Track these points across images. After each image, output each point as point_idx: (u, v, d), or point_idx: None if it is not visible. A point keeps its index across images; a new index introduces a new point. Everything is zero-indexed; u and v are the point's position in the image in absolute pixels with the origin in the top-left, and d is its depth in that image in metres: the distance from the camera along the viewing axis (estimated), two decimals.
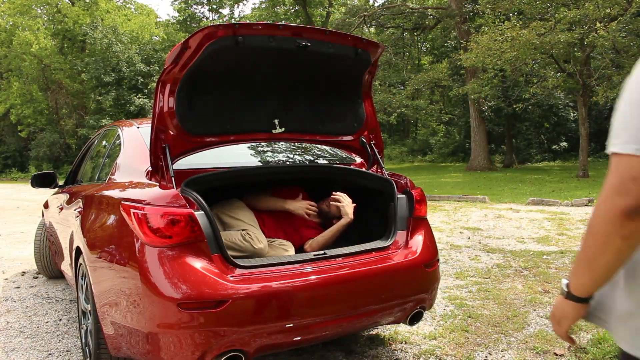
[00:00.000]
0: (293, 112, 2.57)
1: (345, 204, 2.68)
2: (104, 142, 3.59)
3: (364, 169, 2.87)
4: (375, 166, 2.83)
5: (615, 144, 0.93)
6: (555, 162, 23.95)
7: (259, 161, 3.05)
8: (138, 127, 2.95)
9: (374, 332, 3.11)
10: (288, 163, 3.09)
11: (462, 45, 17.05)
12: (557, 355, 2.66)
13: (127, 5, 37.40)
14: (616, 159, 0.92)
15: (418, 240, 2.51)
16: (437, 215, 8.06)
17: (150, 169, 2.36)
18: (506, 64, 15.05)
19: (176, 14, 35.55)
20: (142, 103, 29.01)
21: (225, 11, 36.70)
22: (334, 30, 2.38)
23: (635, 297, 1.00)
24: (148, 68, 30.16)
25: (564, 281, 1.11)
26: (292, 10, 32.34)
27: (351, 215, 2.67)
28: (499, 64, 15.31)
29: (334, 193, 2.73)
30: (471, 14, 21.15)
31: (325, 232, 2.67)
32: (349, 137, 2.78)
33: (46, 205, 4.67)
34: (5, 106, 32.69)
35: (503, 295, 3.72)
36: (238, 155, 2.84)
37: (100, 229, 2.48)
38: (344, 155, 3.15)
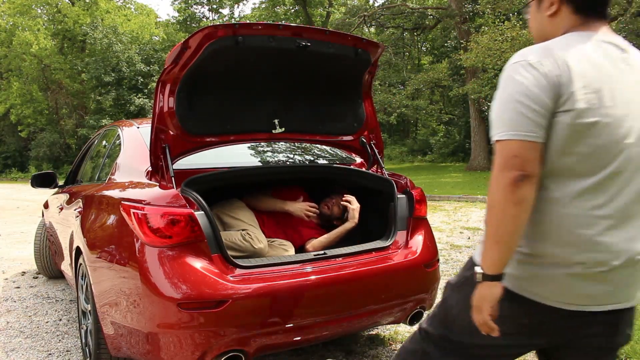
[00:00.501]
0: (293, 112, 2.57)
1: (355, 207, 2.68)
2: (104, 142, 3.59)
3: (364, 169, 2.87)
4: (375, 166, 2.83)
5: (496, 134, 1.18)
6: None
7: (259, 161, 3.05)
8: (138, 127, 2.95)
9: (374, 332, 3.11)
10: (288, 163, 3.09)
11: (462, 45, 17.06)
12: None
13: (127, 5, 37.40)
14: (499, 144, 1.17)
15: (418, 240, 2.51)
16: (437, 215, 8.06)
17: (150, 169, 2.36)
18: (506, 64, 15.05)
19: (176, 14, 35.56)
20: (142, 103, 29.00)
21: (225, 11, 36.70)
22: (334, 30, 2.37)
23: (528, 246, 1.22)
24: (148, 68, 30.15)
25: (477, 269, 1.23)
26: (292, 10, 32.34)
27: (357, 220, 2.67)
28: (499, 64, 15.30)
29: (345, 195, 2.73)
30: (471, 14, 21.14)
31: (329, 234, 2.67)
32: (349, 137, 2.78)
33: (46, 205, 4.67)
34: (5, 106, 32.68)
35: None
36: (238, 155, 2.84)
37: (100, 229, 2.48)
38: (344, 155, 3.15)
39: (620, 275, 1.22)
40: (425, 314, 2.46)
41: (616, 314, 1.28)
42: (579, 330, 1.29)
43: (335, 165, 2.99)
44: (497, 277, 1.20)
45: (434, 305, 2.09)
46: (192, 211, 2.03)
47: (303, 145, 3.26)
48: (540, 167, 1.17)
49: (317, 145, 3.23)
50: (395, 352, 2.78)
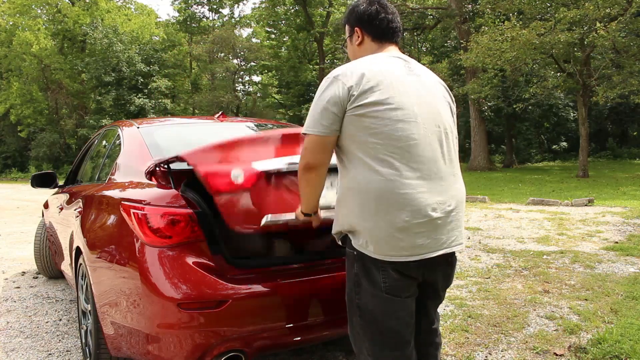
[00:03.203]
0: None
1: None
2: (104, 142, 3.59)
3: None
4: None
5: (304, 126, 1.64)
6: (555, 162, 23.98)
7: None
8: (138, 127, 2.94)
9: None
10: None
11: (462, 45, 17.06)
12: (557, 355, 2.66)
13: (127, 5, 37.43)
14: (305, 137, 1.63)
15: None
16: None
17: (150, 169, 2.35)
18: (506, 64, 15.06)
19: (176, 14, 35.54)
20: (142, 103, 29.02)
21: (225, 11, 36.75)
22: None
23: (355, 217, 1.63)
24: (148, 68, 30.16)
25: (299, 208, 1.84)
26: (292, 10, 32.31)
27: None
28: (499, 64, 15.32)
29: None
30: (471, 14, 21.15)
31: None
32: None
33: (46, 206, 4.66)
34: (5, 106, 32.70)
35: (503, 295, 3.72)
36: None
37: (100, 229, 2.48)
38: None
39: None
40: None
41: None
42: None
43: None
44: (309, 215, 1.82)
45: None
46: (192, 211, 2.03)
47: None
48: None
49: None
50: None
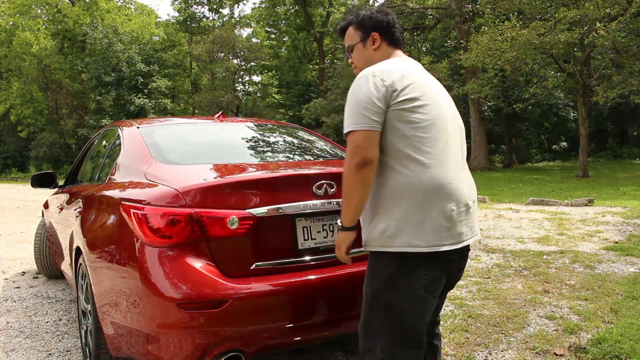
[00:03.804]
0: None
1: None
2: (104, 142, 3.59)
3: None
4: None
5: (347, 125, 1.65)
6: (555, 162, 23.98)
7: (259, 160, 3.03)
8: (138, 127, 2.94)
9: None
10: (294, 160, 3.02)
11: (462, 45, 17.06)
12: (557, 355, 2.66)
13: (127, 5, 37.42)
14: (350, 135, 1.63)
15: None
16: None
17: (150, 169, 2.35)
18: (506, 64, 15.05)
19: (176, 14, 35.54)
20: (142, 103, 29.02)
21: (225, 11, 36.74)
22: None
23: (380, 213, 1.67)
24: (148, 68, 30.16)
25: (338, 221, 1.76)
26: (292, 10, 32.31)
27: None
28: (499, 64, 15.31)
29: None
30: (471, 14, 21.15)
31: None
32: None
33: (46, 205, 4.66)
34: (5, 106, 32.70)
35: (503, 295, 3.72)
36: (238, 155, 2.83)
37: (100, 229, 2.48)
38: (344, 155, 3.14)
39: None
40: None
41: None
42: None
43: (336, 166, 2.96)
44: (350, 229, 1.73)
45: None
46: (192, 211, 2.02)
47: (301, 145, 3.25)
48: None
49: (315, 143, 3.23)
50: None
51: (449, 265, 1.74)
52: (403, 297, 1.67)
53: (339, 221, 1.74)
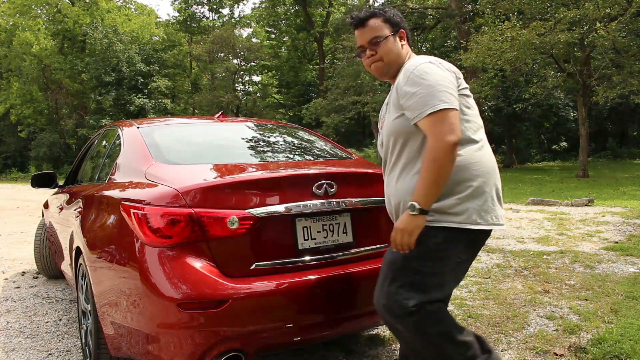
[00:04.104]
0: None
1: None
2: (104, 142, 3.59)
3: (370, 170, 2.85)
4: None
5: (434, 104, 1.65)
6: (555, 162, 23.97)
7: (259, 160, 3.03)
8: (138, 127, 2.94)
9: (374, 332, 3.11)
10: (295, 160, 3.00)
11: (462, 45, 17.05)
12: (557, 355, 2.66)
13: (127, 5, 37.41)
14: (440, 114, 1.64)
15: None
16: None
17: (150, 169, 2.35)
18: (506, 64, 15.04)
19: (176, 14, 35.53)
20: (142, 103, 29.00)
21: (225, 11, 36.72)
22: None
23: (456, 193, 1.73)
24: (148, 68, 30.15)
25: (409, 203, 1.69)
26: (292, 10, 32.31)
27: None
28: (499, 64, 15.30)
29: None
30: (471, 14, 21.14)
31: None
32: None
33: (46, 205, 4.66)
34: (5, 106, 32.70)
35: (503, 295, 3.72)
36: (238, 155, 2.83)
37: (100, 229, 2.48)
38: (343, 155, 3.14)
39: None
40: None
41: None
42: None
43: (336, 167, 2.94)
44: (428, 212, 1.71)
45: None
46: (192, 211, 2.02)
47: (301, 145, 3.25)
48: None
49: (315, 143, 3.23)
50: (395, 351, 2.78)
51: (481, 246, 1.87)
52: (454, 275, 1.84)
53: (415, 204, 1.68)
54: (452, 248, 1.75)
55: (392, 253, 1.83)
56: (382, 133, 2.00)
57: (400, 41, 1.91)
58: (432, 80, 1.69)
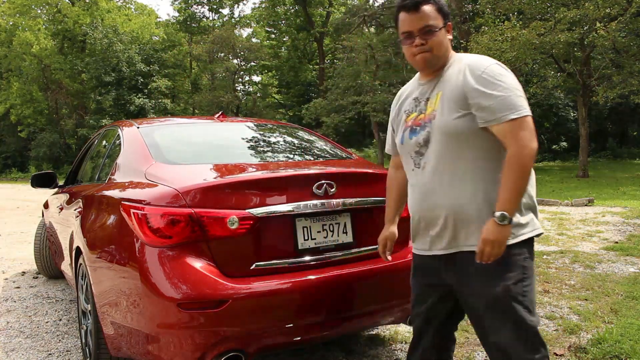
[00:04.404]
0: None
1: None
2: (104, 142, 3.59)
3: (364, 169, 2.85)
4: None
5: (519, 110, 1.59)
6: (555, 162, 23.96)
7: (259, 160, 3.03)
8: (138, 127, 2.94)
9: (374, 332, 3.11)
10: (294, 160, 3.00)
11: (462, 45, 17.04)
12: (557, 355, 2.66)
13: (127, 5, 37.40)
14: (526, 119, 1.59)
15: None
16: None
17: (150, 169, 2.35)
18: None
19: (176, 14, 35.52)
20: (142, 103, 28.99)
21: (225, 11, 36.70)
22: None
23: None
24: (148, 68, 30.13)
25: (498, 214, 1.58)
26: (292, 10, 32.30)
27: None
28: None
29: None
30: (471, 14, 21.15)
31: None
32: None
33: (46, 205, 4.66)
34: (5, 106, 32.68)
35: None
36: (238, 155, 2.83)
37: (100, 229, 2.48)
38: (343, 155, 3.14)
39: None
40: None
41: None
42: None
43: (337, 168, 2.93)
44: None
45: None
46: (192, 211, 2.02)
47: (301, 145, 3.25)
48: None
49: (315, 143, 3.23)
50: (395, 352, 2.78)
51: None
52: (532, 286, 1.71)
53: (505, 214, 1.58)
54: (532, 258, 1.73)
55: (481, 296, 1.67)
56: (407, 130, 1.82)
57: (448, 34, 1.78)
58: (509, 83, 1.62)
